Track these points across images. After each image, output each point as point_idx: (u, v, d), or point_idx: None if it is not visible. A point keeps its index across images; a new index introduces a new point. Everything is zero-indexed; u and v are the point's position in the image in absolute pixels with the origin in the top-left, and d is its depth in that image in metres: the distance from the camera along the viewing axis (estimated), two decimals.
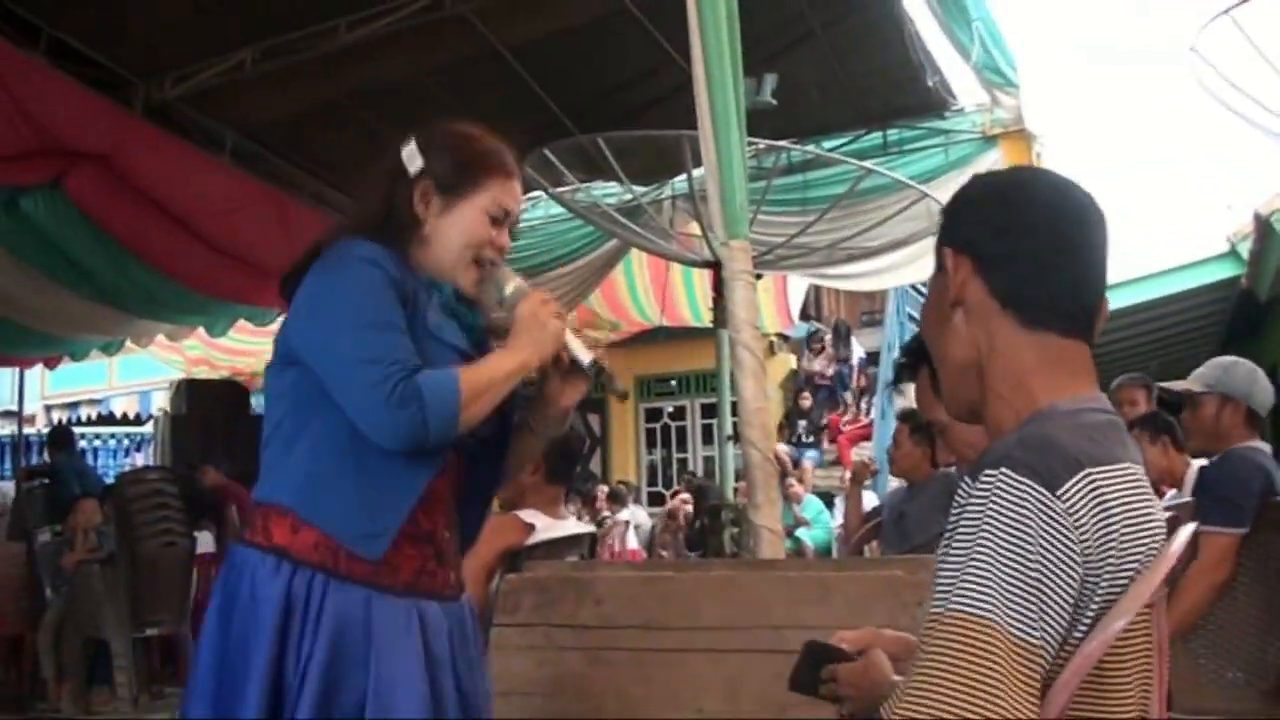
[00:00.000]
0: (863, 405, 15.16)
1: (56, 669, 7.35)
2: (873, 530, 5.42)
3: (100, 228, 6.91)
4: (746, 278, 3.75)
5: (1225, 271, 11.00)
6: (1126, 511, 1.25)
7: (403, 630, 2.00)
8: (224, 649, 1.95)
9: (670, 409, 16.53)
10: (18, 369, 11.10)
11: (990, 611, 1.16)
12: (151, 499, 7.25)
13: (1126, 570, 1.23)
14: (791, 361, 16.05)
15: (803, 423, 14.81)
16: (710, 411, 14.95)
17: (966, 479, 1.27)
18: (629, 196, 8.32)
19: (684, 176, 7.57)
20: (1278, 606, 3.60)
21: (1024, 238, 1.43)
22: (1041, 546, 1.18)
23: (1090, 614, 1.22)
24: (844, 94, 7.99)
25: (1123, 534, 1.23)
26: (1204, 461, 4.02)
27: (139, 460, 16.24)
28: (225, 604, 1.98)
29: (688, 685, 2.63)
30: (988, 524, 1.20)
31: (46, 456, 10.52)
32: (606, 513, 11.36)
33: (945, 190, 8.01)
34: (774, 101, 7.25)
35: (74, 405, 17.24)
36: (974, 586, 1.18)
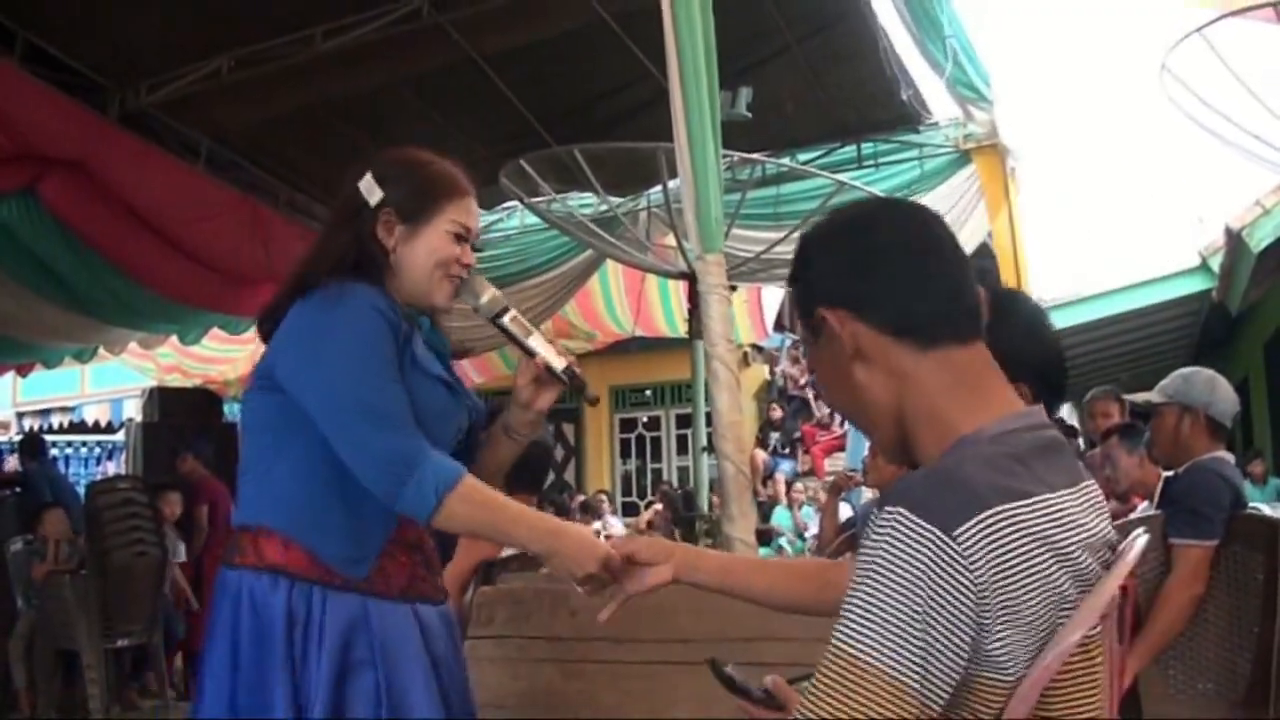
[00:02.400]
0: (835, 416, 15.17)
1: (28, 679, 7.29)
2: (847, 541, 5.42)
3: (74, 234, 6.89)
4: (721, 292, 3.76)
5: (1197, 285, 11.09)
6: (1039, 545, 1.22)
7: (406, 634, 2.07)
8: (236, 673, 1.99)
9: (645, 419, 16.53)
10: None
11: (867, 653, 1.16)
12: (122, 508, 7.19)
13: (1029, 607, 1.21)
14: (766, 372, 16.08)
15: (776, 435, 14.82)
16: (685, 422, 14.97)
17: (873, 512, 1.26)
18: (604, 207, 8.34)
19: (659, 187, 7.59)
20: (1247, 618, 3.62)
21: (886, 263, 1.40)
22: (930, 591, 1.16)
23: (996, 641, 1.20)
24: (819, 107, 8.04)
25: (1027, 572, 1.21)
26: (1171, 474, 4.03)
27: (110, 469, 16.13)
28: (229, 629, 2.02)
29: (662, 697, 2.63)
30: (880, 563, 1.19)
31: (18, 464, 10.41)
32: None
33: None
34: (749, 114, 7.27)
35: (46, 412, 17.11)
36: (857, 626, 1.18)
